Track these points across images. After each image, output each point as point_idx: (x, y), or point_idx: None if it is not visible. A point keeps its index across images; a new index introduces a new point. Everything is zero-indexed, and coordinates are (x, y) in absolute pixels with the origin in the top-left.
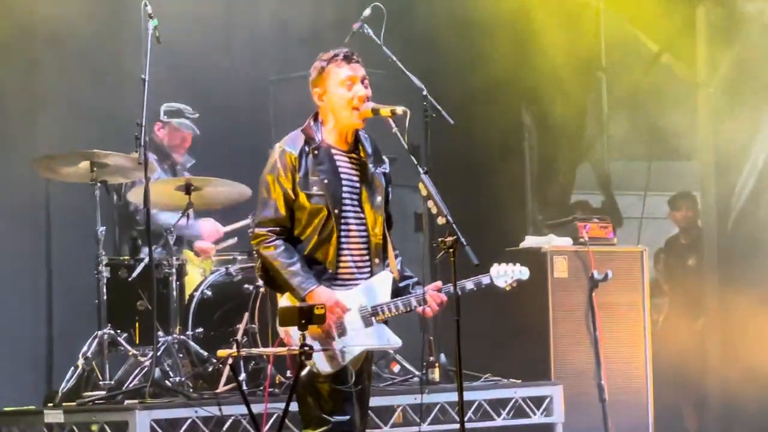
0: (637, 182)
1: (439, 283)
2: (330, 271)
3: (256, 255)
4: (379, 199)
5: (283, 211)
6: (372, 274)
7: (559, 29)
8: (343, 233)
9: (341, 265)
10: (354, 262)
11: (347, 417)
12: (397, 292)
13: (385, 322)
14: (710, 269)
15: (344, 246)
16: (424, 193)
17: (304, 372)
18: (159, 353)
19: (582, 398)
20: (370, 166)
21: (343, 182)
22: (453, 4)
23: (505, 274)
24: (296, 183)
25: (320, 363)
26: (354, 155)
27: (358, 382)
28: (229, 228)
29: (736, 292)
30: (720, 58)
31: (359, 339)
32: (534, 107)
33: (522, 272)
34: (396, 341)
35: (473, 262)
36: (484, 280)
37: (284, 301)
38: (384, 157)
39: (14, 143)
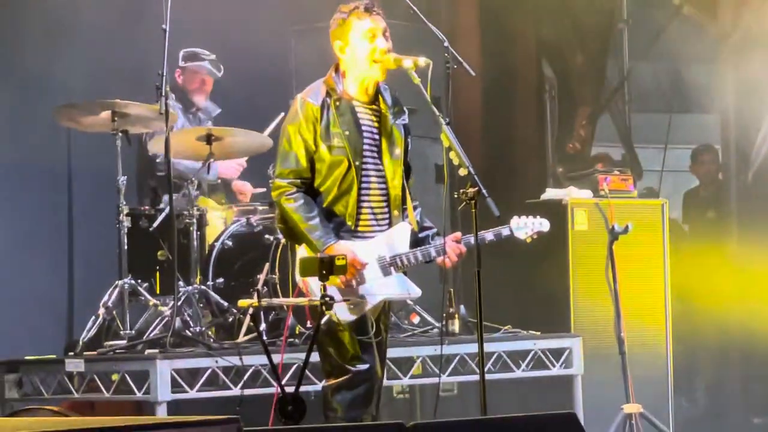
0: (657, 135)
1: (458, 234)
2: (349, 223)
3: (276, 206)
4: (398, 151)
5: (303, 163)
6: (391, 225)
7: None
8: (363, 185)
9: (361, 217)
10: (373, 213)
11: (367, 366)
12: (416, 242)
13: (405, 272)
14: (730, 221)
15: (364, 198)
16: (446, 144)
17: (323, 321)
18: (179, 303)
19: (601, 351)
20: (390, 117)
21: (364, 134)
22: None
23: (525, 226)
24: (317, 134)
25: (341, 312)
26: (374, 107)
27: (377, 332)
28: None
29: (755, 244)
30: (742, 9)
31: (378, 288)
32: (555, 59)
33: (542, 224)
34: (415, 291)
35: (494, 213)
36: (504, 231)
37: (303, 251)
38: (404, 108)
39: (35, 93)
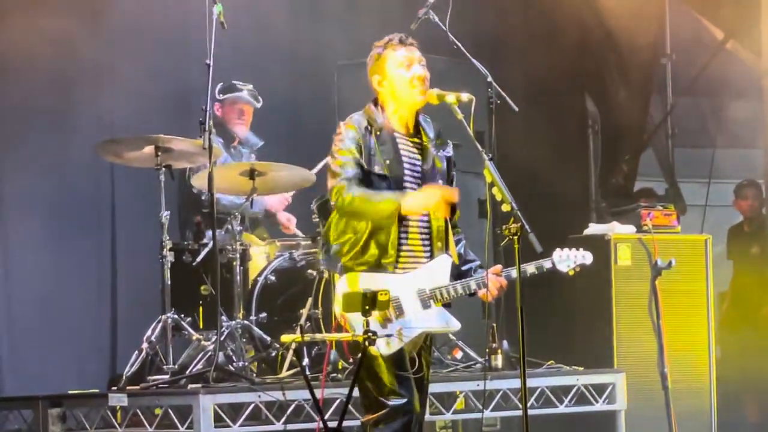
0: (701, 170)
1: (499, 267)
2: (390, 252)
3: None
4: (440, 182)
5: (358, 170)
6: (432, 257)
7: (624, 16)
8: (404, 221)
9: (402, 247)
10: (414, 245)
11: (405, 400)
12: (459, 275)
13: (447, 305)
14: None
15: (405, 228)
16: (488, 179)
17: (370, 356)
18: (222, 338)
19: (644, 386)
20: (432, 149)
21: (405, 165)
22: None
23: (567, 259)
24: (363, 155)
25: (379, 345)
26: (416, 139)
27: (418, 368)
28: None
29: None
30: None
31: (417, 321)
32: (598, 95)
33: (585, 257)
34: (455, 324)
35: (537, 249)
36: (546, 264)
37: (344, 286)
38: (447, 141)
39: (79, 128)
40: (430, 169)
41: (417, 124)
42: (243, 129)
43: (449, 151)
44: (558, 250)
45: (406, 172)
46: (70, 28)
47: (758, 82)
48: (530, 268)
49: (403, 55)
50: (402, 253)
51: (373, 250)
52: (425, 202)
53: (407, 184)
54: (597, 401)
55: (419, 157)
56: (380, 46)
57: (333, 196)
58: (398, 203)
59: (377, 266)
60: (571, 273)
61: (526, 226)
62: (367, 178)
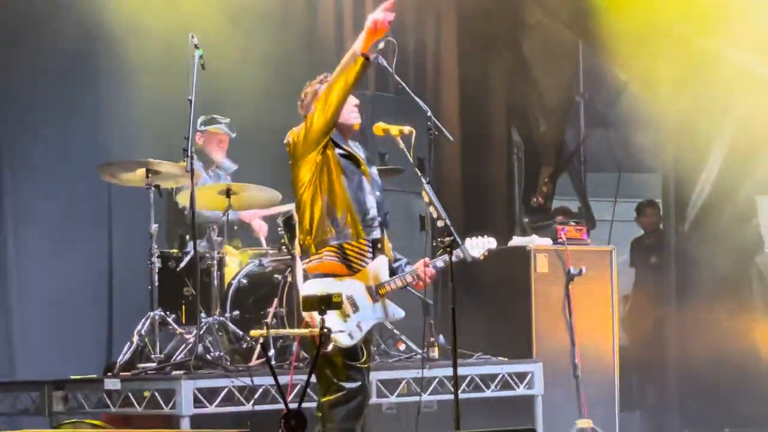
0: (608, 191)
1: (427, 259)
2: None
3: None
4: (378, 193)
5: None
6: (374, 258)
7: (544, 63)
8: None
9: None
10: (362, 247)
11: (359, 384)
12: (392, 271)
13: (388, 297)
14: (668, 267)
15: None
16: (426, 199)
17: (330, 348)
18: (202, 332)
19: (559, 374)
20: (368, 168)
21: (349, 179)
22: (455, 47)
23: (477, 246)
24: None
25: (343, 338)
26: (352, 159)
27: (365, 359)
28: (267, 212)
29: (690, 287)
30: (680, 90)
31: (371, 313)
32: (522, 127)
33: (490, 242)
34: (400, 312)
35: (467, 258)
36: (460, 252)
37: (307, 289)
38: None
39: (81, 153)
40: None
41: (353, 149)
42: (220, 155)
43: (375, 171)
44: (468, 239)
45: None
46: (72, 69)
47: (656, 116)
48: (441, 263)
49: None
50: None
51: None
52: (368, 33)
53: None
54: (518, 387)
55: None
56: (317, 83)
57: (311, 120)
58: (354, 51)
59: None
60: (482, 258)
61: (458, 239)
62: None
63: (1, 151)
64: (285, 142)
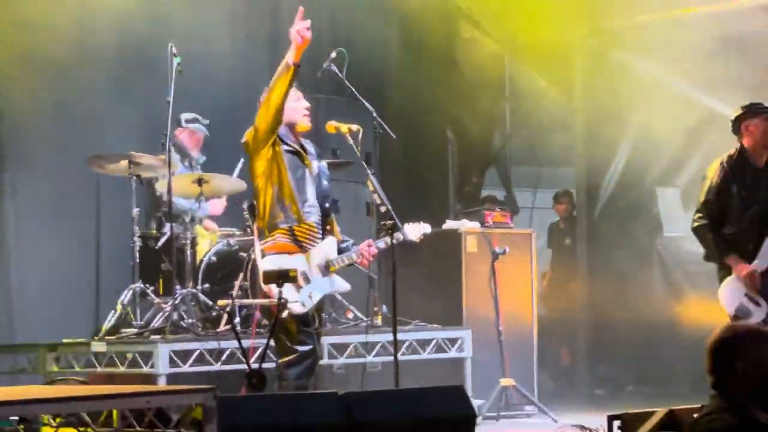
0: (529, 182)
1: (370, 241)
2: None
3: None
4: (326, 185)
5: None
6: (323, 239)
7: (475, 71)
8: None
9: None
10: (312, 229)
11: (310, 347)
12: (339, 250)
13: (336, 272)
14: (580, 247)
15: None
16: (371, 188)
17: (284, 315)
18: (176, 302)
19: (485, 340)
20: (313, 160)
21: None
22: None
23: (415, 230)
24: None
25: (296, 308)
26: (299, 156)
27: (317, 326)
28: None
29: (598, 265)
30: (591, 96)
31: (321, 286)
32: (456, 127)
33: (425, 227)
34: (346, 286)
35: (407, 239)
36: (400, 235)
37: (266, 265)
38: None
39: (73, 147)
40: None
41: (301, 144)
42: (196, 151)
43: (324, 165)
44: (407, 224)
45: (297, 176)
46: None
47: (572, 118)
48: (383, 244)
49: (295, 93)
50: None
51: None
52: (296, 46)
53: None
54: (450, 350)
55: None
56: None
57: (258, 121)
58: (287, 61)
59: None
60: (418, 241)
61: (398, 223)
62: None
63: (3, 140)
64: (242, 141)
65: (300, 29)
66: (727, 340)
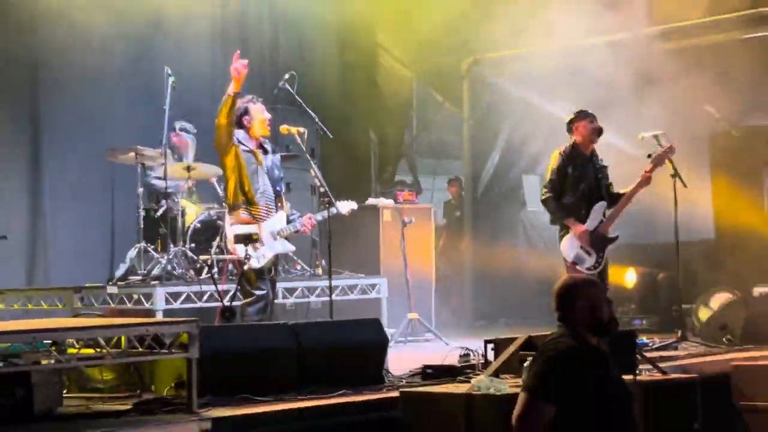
0: (430, 170)
1: (310, 214)
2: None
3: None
4: (279, 173)
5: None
6: (276, 212)
7: (391, 88)
8: (257, 189)
9: (257, 208)
10: (266, 206)
11: (264, 291)
12: (289, 221)
13: (286, 238)
14: (467, 218)
15: (259, 198)
16: (313, 175)
17: (246, 267)
18: (170, 257)
19: (396, 285)
20: (270, 155)
21: (257, 163)
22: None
23: (345, 206)
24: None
25: (255, 262)
26: (261, 150)
27: (272, 275)
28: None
29: (480, 230)
30: (476, 107)
31: (273, 247)
32: (377, 130)
33: (353, 204)
34: (291, 247)
35: (341, 212)
36: (334, 210)
37: (235, 229)
38: (277, 153)
39: (93, 141)
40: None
41: (261, 144)
42: (186, 152)
43: (278, 158)
44: (339, 201)
45: (258, 166)
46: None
47: (461, 124)
48: (326, 213)
49: (261, 106)
50: (258, 207)
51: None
52: (235, 80)
53: (259, 171)
54: (371, 293)
55: (264, 159)
56: (245, 101)
57: (215, 137)
58: (228, 92)
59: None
60: (347, 213)
61: (333, 200)
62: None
63: (42, 135)
64: (214, 145)
65: (237, 67)
66: (568, 287)
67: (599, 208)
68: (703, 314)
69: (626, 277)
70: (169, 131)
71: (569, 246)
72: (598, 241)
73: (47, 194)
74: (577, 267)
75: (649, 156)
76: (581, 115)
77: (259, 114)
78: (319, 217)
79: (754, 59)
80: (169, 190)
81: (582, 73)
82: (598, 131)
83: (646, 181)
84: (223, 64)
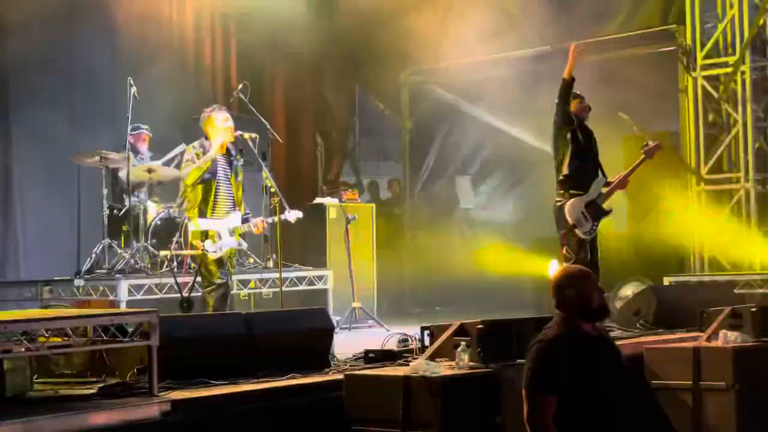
0: (372, 172)
1: (262, 217)
2: (210, 211)
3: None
4: (239, 177)
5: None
6: (234, 211)
7: (335, 96)
8: (218, 193)
9: (217, 208)
10: (225, 207)
11: (224, 281)
12: (245, 220)
13: (241, 236)
14: (406, 216)
15: (219, 199)
16: (264, 176)
17: (203, 259)
18: (133, 252)
19: (341, 276)
20: (233, 161)
21: (219, 169)
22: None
23: (293, 215)
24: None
25: (212, 255)
26: (227, 156)
27: (229, 266)
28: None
29: (417, 225)
30: (414, 113)
31: (228, 242)
32: (323, 135)
33: (299, 212)
34: (245, 244)
35: (287, 220)
36: (283, 216)
37: (193, 226)
38: (240, 157)
39: (59, 144)
40: (231, 169)
41: (228, 149)
42: (144, 147)
43: (241, 161)
44: (287, 210)
45: (220, 172)
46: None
47: (401, 130)
48: (271, 220)
49: (223, 114)
50: (217, 211)
51: (204, 208)
52: (216, 147)
53: (220, 178)
54: (318, 284)
55: (227, 165)
56: (209, 110)
57: (186, 181)
58: (210, 154)
59: (206, 216)
60: (293, 221)
61: (283, 201)
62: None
63: (12, 134)
64: (184, 160)
65: (225, 140)
66: (564, 278)
67: (599, 182)
68: (619, 301)
69: (549, 266)
70: (130, 135)
71: (573, 209)
72: (595, 212)
73: (17, 194)
74: (576, 230)
75: (642, 147)
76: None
77: (223, 123)
78: (269, 220)
79: (660, 71)
80: (133, 189)
81: (524, 81)
82: (588, 108)
83: (636, 166)
84: (180, 72)
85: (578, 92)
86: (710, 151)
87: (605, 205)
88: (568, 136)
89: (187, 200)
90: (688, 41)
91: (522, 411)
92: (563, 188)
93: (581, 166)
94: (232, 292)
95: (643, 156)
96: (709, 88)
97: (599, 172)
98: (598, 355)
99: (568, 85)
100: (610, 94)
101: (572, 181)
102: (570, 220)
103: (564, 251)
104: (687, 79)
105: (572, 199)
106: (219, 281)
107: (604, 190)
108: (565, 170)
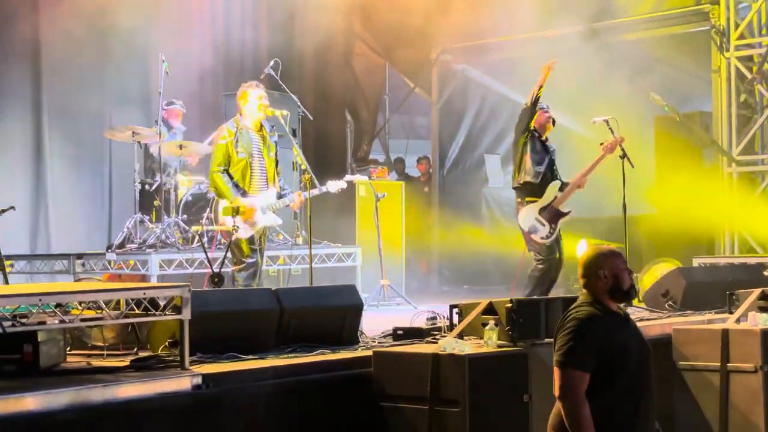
0: (401, 149)
1: (300, 191)
2: (245, 189)
3: (211, 184)
4: (272, 154)
5: (224, 159)
6: (268, 188)
7: (365, 75)
8: (253, 170)
9: (252, 185)
10: (259, 184)
11: (254, 260)
12: (281, 196)
13: (274, 212)
14: (434, 194)
15: (254, 176)
16: (295, 152)
17: (234, 238)
18: (164, 227)
19: (370, 253)
20: (268, 137)
21: (254, 146)
22: (314, 64)
23: (335, 185)
24: (232, 144)
25: (243, 232)
26: (260, 132)
27: (261, 243)
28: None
29: (446, 204)
30: (444, 92)
31: (262, 220)
32: (352, 112)
33: (341, 183)
34: (279, 220)
35: (330, 191)
36: (324, 188)
37: (224, 203)
38: (275, 133)
39: (91, 120)
40: (266, 147)
41: (261, 124)
42: (177, 122)
43: (275, 138)
44: (329, 181)
45: (255, 148)
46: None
47: (430, 108)
48: (316, 191)
49: (258, 92)
50: (252, 188)
51: (237, 186)
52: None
53: (255, 154)
54: (347, 261)
55: (261, 141)
56: (246, 86)
57: (211, 174)
58: (230, 197)
59: (241, 194)
60: (337, 192)
61: (314, 177)
62: (231, 159)
63: (43, 109)
64: (209, 142)
65: (258, 117)
66: (594, 257)
67: (554, 185)
68: (648, 282)
69: (578, 246)
70: (161, 110)
71: (527, 217)
72: (551, 215)
73: (49, 169)
74: (532, 236)
75: (602, 144)
76: (538, 107)
77: (258, 99)
78: (308, 194)
79: (693, 52)
80: (164, 165)
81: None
82: (552, 120)
83: (594, 165)
84: (210, 50)
85: (545, 104)
86: (742, 132)
87: (562, 207)
88: (528, 144)
89: (211, 187)
90: (722, 21)
91: (551, 389)
92: (519, 196)
93: (537, 173)
94: (262, 268)
95: (602, 152)
96: (743, 69)
97: (555, 176)
98: (627, 334)
99: (537, 99)
100: (642, 75)
101: (528, 189)
102: (525, 228)
103: (533, 255)
104: (720, 60)
105: (525, 207)
106: (249, 260)
107: (560, 193)
108: (521, 177)
